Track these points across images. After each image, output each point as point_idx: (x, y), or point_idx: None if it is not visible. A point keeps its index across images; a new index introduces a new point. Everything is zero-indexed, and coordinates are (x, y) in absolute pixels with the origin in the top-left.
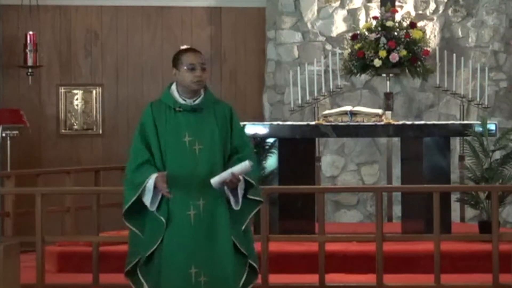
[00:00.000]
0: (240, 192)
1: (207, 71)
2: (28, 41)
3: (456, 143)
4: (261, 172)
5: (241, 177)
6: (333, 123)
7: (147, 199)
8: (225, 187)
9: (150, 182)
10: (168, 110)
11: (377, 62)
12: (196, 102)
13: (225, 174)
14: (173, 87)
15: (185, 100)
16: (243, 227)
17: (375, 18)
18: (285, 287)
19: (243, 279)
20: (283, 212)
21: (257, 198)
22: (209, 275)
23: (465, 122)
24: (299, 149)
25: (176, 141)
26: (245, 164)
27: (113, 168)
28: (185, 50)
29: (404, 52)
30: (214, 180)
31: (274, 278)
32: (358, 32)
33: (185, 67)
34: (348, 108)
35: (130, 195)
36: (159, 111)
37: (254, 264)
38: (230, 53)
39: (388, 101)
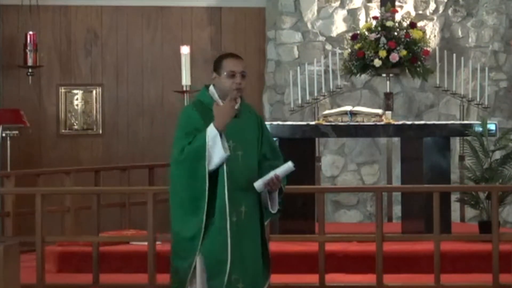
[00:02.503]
0: (277, 196)
1: (246, 78)
2: (28, 41)
3: (456, 143)
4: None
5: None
6: (333, 123)
7: (218, 152)
8: (264, 191)
9: (210, 131)
10: (210, 113)
11: (377, 62)
12: (236, 107)
13: (269, 177)
14: (213, 89)
15: None
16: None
17: (375, 18)
18: (285, 287)
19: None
20: (283, 212)
21: (280, 208)
22: (246, 281)
23: (465, 122)
24: (299, 149)
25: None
26: (288, 166)
27: (113, 168)
28: (227, 56)
29: (404, 52)
30: (258, 184)
31: (274, 278)
32: (358, 32)
33: (225, 73)
34: (348, 108)
35: (198, 165)
36: (203, 113)
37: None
38: None
39: (388, 101)
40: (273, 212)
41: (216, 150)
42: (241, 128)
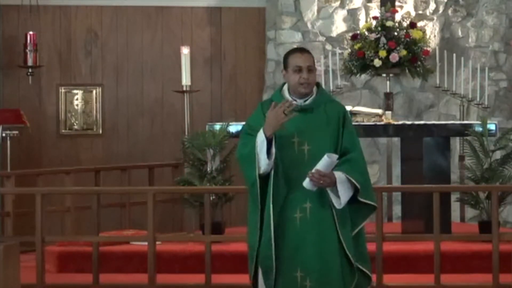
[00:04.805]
0: (344, 191)
1: (315, 73)
2: (28, 41)
3: (456, 143)
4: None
5: (342, 175)
6: None
7: (263, 158)
8: (330, 188)
9: (259, 136)
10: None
11: (377, 62)
12: (307, 102)
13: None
14: (285, 87)
15: (296, 101)
16: (355, 231)
17: (375, 18)
18: None
19: (354, 284)
20: None
21: (368, 202)
22: (315, 279)
23: (465, 122)
24: None
25: (285, 142)
26: (324, 159)
27: (113, 168)
28: (293, 51)
29: (404, 52)
30: (305, 182)
31: None
32: (358, 32)
33: (291, 69)
34: (348, 108)
35: (250, 171)
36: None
37: (363, 268)
38: (230, 53)
39: (388, 101)
40: (338, 207)
41: (262, 156)
42: (311, 122)
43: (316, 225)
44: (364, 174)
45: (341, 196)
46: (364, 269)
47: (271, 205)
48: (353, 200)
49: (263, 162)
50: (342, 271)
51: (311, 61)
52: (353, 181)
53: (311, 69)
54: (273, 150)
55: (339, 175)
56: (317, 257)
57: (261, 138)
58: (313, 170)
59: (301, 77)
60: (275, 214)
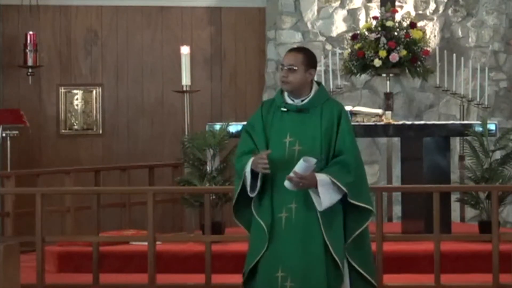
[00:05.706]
0: (327, 194)
1: (297, 73)
2: (28, 41)
3: (456, 143)
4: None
5: (326, 178)
6: None
7: (246, 185)
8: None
9: (248, 165)
10: (276, 110)
11: (377, 62)
12: (304, 102)
13: (290, 174)
14: None
15: (293, 100)
16: (352, 236)
17: (375, 18)
18: None
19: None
20: None
21: (360, 204)
22: (297, 280)
23: (465, 122)
24: None
25: (277, 142)
26: (300, 162)
27: (113, 168)
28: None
29: (404, 52)
30: (286, 182)
31: None
32: (358, 32)
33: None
34: (348, 108)
35: (236, 185)
36: (269, 110)
37: (365, 274)
38: (230, 53)
39: (388, 101)
40: (319, 209)
41: (248, 182)
42: (304, 123)
43: (301, 225)
44: (354, 176)
45: (322, 199)
46: (366, 275)
47: (263, 225)
48: (347, 204)
49: (247, 186)
50: (327, 273)
51: (296, 61)
52: (338, 184)
53: (293, 69)
54: (259, 182)
55: (322, 177)
56: (299, 257)
57: (249, 167)
58: (291, 173)
59: (280, 75)
60: (278, 212)
